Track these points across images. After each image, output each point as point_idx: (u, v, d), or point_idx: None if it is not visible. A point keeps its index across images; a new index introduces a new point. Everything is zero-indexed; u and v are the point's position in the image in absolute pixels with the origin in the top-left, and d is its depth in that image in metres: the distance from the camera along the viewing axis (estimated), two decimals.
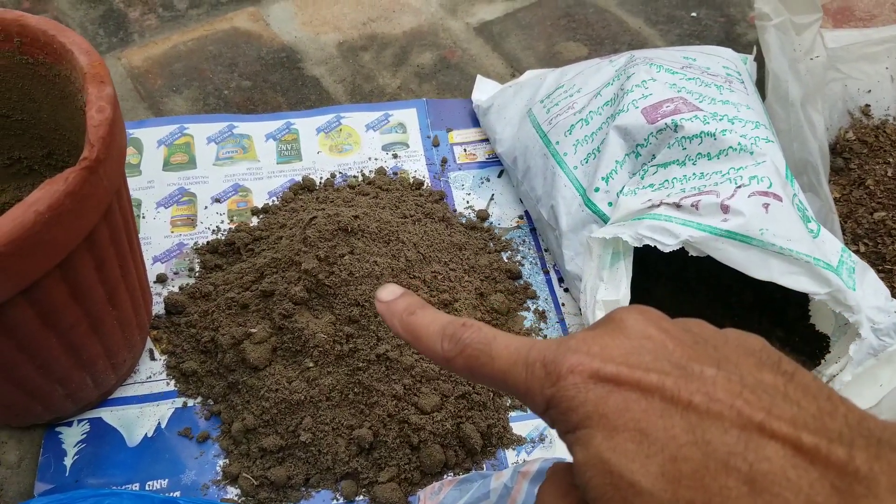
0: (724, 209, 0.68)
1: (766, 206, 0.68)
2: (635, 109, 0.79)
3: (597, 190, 0.80)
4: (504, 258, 0.95)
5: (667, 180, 0.75)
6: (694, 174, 0.74)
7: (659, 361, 0.36)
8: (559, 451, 0.77)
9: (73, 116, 0.67)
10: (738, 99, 0.82)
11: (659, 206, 0.71)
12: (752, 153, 0.72)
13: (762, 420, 0.32)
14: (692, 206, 0.69)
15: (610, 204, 0.79)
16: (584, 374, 0.36)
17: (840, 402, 0.32)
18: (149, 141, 1.05)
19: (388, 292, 0.43)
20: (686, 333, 0.38)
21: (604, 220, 0.79)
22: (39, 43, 0.63)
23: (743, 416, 0.33)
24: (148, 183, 1.00)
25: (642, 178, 0.77)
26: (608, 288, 0.74)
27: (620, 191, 0.78)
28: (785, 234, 0.67)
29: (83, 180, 0.50)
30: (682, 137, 0.75)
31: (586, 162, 0.84)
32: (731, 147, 0.73)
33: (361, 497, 0.73)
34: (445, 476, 0.73)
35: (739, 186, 0.69)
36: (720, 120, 0.75)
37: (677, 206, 0.70)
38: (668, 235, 0.68)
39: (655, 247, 0.69)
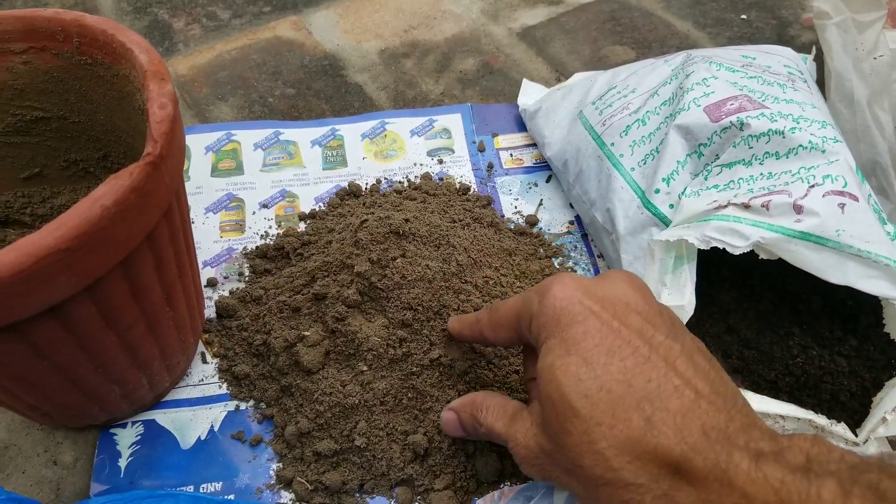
0: (798, 209, 0.65)
1: (842, 206, 0.65)
2: (697, 108, 0.77)
3: (657, 191, 0.78)
4: (555, 264, 0.93)
5: (732, 181, 0.72)
6: (762, 174, 0.71)
7: (627, 314, 0.50)
8: None
9: (130, 118, 0.66)
10: (803, 98, 0.79)
11: (726, 206, 0.69)
12: (823, 151, 0.69)
13: (680, 384, 0.45)
14: (762, 206, 0.67)
15: (671, 206, 0.77)
16: (566, 295, 0.51)
17: (744, 403, 0.47)
18: (197, 147, 1.05)
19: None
20: (656, 305, 0.53)
21: (664, 222, 0.76)
22: (98, 43, 0.62)
23: (668, 376, 0.45)
24: (196, 189, 1.00)
25: (706, 178, 0.74)
26: (671, 293, 0.71)
27: (682, 192, 0.75)
28: (862, 236, 0.64)
29: (147, 175, 0.49)
30: (748, 136, 0.72)
31: (644, 163, 0.81)
32: (801, 145, 0.70)
33: None
34: (503, 486, 0.71)
35: (813, 186, 0.66)
36: (787, 118, 0.73)
37: (746, 206, 0.68)
38: (738, 237, 0.66)
39: (723, 249, 0.67)
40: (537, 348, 0.53)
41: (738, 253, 0.65)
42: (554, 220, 0.99)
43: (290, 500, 0.70)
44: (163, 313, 0.63)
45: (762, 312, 0.77)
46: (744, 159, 0.73)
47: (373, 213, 0.85)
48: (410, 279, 0.76)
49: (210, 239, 0.94)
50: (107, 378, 0.62)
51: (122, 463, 0.72)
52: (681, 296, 0.70)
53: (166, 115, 0.52)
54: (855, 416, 0.71)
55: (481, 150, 1.07)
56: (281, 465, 0.73)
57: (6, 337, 0.48)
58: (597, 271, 0.92)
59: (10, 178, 0.73)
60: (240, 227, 0.96)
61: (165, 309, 0.63)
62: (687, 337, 0.51)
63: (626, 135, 0.85)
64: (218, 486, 0.71)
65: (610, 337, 0.48)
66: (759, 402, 0.68)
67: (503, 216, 0.99)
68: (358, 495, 0.71)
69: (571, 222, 0.99)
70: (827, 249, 0.64)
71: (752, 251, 0.67)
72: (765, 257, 0.66)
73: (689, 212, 0.72)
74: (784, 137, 0.71)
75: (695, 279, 0.71)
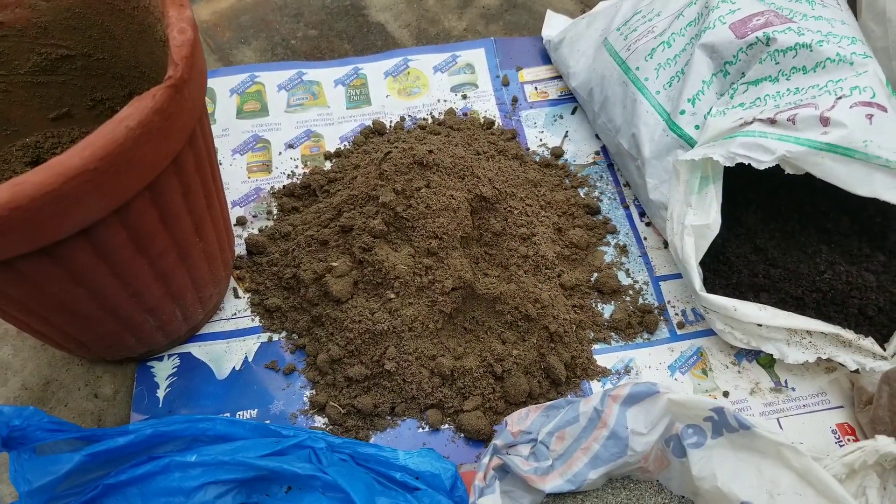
0: (824, 122, 0.64)
1: (870, 116, 0.63)
2: (723, 25, 0.75)
3: (682, 113, 0.76)
4: (581, 194, 0.93)
5: (759, 98, 0.71)
6: (788, 90, 0.69)
7: None
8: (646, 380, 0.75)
9: (153, 51, 0.67)
10: (832, 14, 0.77)
11: (752, 122, 0.68)
12: (851, 64, 0.67)
13: None
14: (788, 120, 0.65)
15: (697, 127, 0.75)
16: None
17: None
18: (221, 90, 1.05)
19: None
20: None
21: (690, 143, 0.75)
22: None
23: None
24: (223, 131, 1.01)
25: (732, 97, 0.73)
26: (697, 213, 0.71)
27: (708, 112, 0.74)
28: (891, 146, 0.62)
29: (170, 98, 0.50)
30: (774, 51, 0.70)
31: (670, 86, 0.80)
32: (828, 59, 0.68)
33: (447, 425, 0.73)
34: (530, 405, 0.72)
35: (840, 98, 0.65)
36: (815, 32, 0.71)
37: (772, 121, 0.66)
38: (764, 152, 0.65)
39: (750, 170, 0.66)
40: None
41: (763, 168, 0.65)
42: (580, 152, 0.98)
43: (324, 423, 0.72)
44: (193, 243, 0.64)
45: (789, 232, 0.76)
46: (770, 75, 0.71)
47: (397, 146, 0.85)
48: (435, 209, 0.76)
49: (238, 180, 0.95)
50: (141, 307, 0.64)
51: (161, 393, 0.75)
52: (706, 215, 0.69)
53: (186, 39, 0.53)
54: (883, 330, 0.70)
55: (505, 84, 1.06)
56: (314, 391, 0.75)
57: (43, 260, 0.50)
58: (622, 200, 0.92)
59: (38, 119, 0.75)
60: (266, 167, 0.97)
61: (195, 239, 0.65)
62: None
63: (651, 58, 0.83)
64: (253, 412, 0.74)
65: None
66: (786, 319, 0.68)
67: (528, 149, 0.98)
68: (389, 418, 0.73)
69: (597, 153, 0.98)
70: (854, 161, 0.62)
71: (780, 169, 0.66)
72: (791, 172, 0.65)
73: (714, 130, 0.71)
74: (811, 51, 0.69)
75: (720, 199, 0.70)
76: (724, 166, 0.70)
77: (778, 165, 0.65)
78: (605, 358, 0.78)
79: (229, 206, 0.91)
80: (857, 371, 0.72)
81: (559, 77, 1.06)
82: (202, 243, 0.66)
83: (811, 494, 0.54)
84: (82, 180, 0.45)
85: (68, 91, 0.74)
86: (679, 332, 0.80)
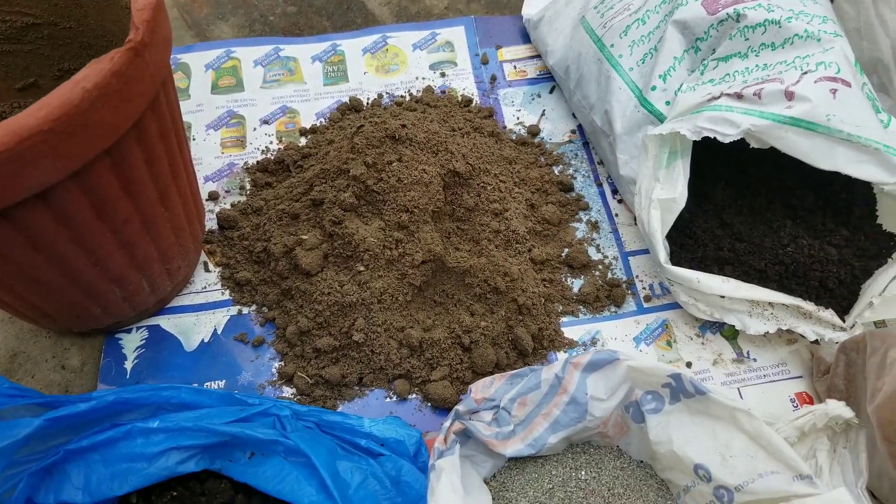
0: (789, 96, 0.64)
1: (834, 91, 0.64)
2: (695, 2, 0.75)
3: (653, 89, 0.77)
4: (556, 171, 0.93)
5: (728, 74, 0.71)
6: (757, 66, 0.70)
7: None
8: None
9: (120, 19, 0.67)
10: None
11: (719, 97, 0.68)
12: (819, 40, 0.68)
13: None
14: (754, 94, 0.66)
15: (667, 103, 0.76)
16: None
17: None
18: (196, 65, 1.05)
19: None
20: None
21: (660, 119, 0.76)
22: None
23: None
24: (197, 106, 1.00)
25: (702, 73, 0.73)
26: (664, 187, 0.71)
27: (679, 89, 0.74)
28: (853, 121, 0.63)
29: (129, 61, 0.49)
30: (744, 27, 0.71)
31: (643, 62, 0.80)
32: (796, 35, 0.69)
33: (414, 395, 0.73)
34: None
35: (805, 73, 0.65)
36: (785, 9, 0.71)
37: (739, 96, 0.67)
38: (729, 125, 0.65)
39: (719, 144, 0.66)
40: None
41: (728, 141, 0.65)
42: (556, 130, 0.98)
43: (292, 394, 0.73)
44: (158, 213, 0.64)
45: (756, 208, 0.77)
46: (740, 52, 0.71)
47: (370, 121, 0.85)
48: (407, 182, 0.76)
49: (211, 155, 0.95)
50: (105, 276, 0.64)
51: (128, 365, 0.75)
52: (673, 189, 0.70)
53: (147, 2, 0.53)
54: (843, 303, 0.71)
55: (484, 62, 1.06)
56: (283, 363, 0.75)
57: (1, 224, 0.50)
58: (596, 178, 0.92)
59: (5, 89, 0.74)
60: (241, 143, 0.96)
61: (161, 209, 0.64)
62: None
63: (625, 35, 0.83)
64: (221, 383, 0.74)
65: None
66: (748, 291, 0.69)
67: (505, 127, 0.98)
68: (357, 388, 0.73)
69: (573, 131, 0.98)
70: (817, 135, 0.63)
71: (749, 146, 0.66)
72: (756, 146, 0.65)
73: (683, 106, 0.71)
74: (780, 27, 0.69)
75: (688, 174, 0.71)
76: (693, 142, 0.71)
77: (746, 141, 0.66)
78: (573, 330, 0.78)
79: (202, 181, 0.91)
80: (816, 342, 0.73)
81: (538, 56, 1.06)
82: (168, 213, 0.66)
83: (762, 456, 0.55)
84: (37, 141, 0.45)
85: (35, 61, 0.73)
86: (646, 305, 0.81)
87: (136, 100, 0.52)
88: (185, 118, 0.99)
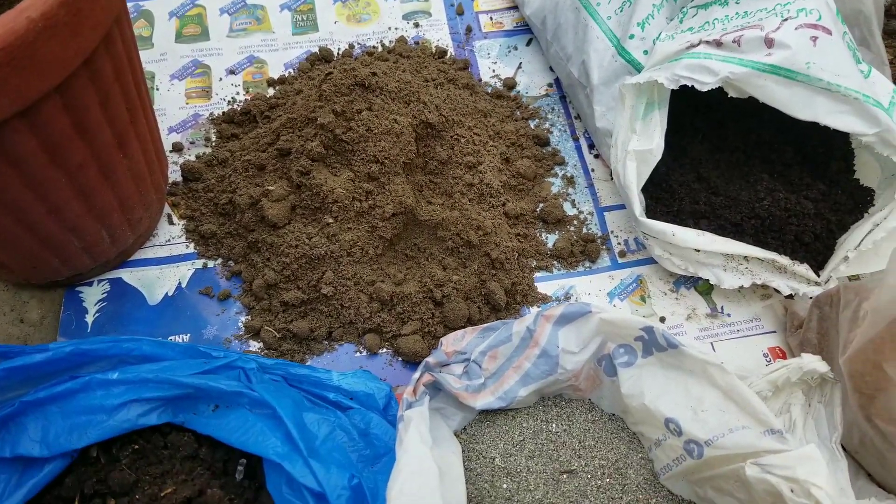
0: (769, 43, 0.63)
1: (815, 38, 0.62)
2: None
3: (631, 37, 0.75)
4: (532, 126, 0.91)
5: (707, 22, 0.69)
6: (737, 13, 0.68)
7: None
8: None
9: None
10: None
11: (698, 45, 0.66)
12: None
13: None
14: (734, 42, 0.64)
15: (645, 52, 0.74)
16: None
17: None
18: (160, 12, 1.01)
19: None
20: None
21: (638, 69, 0.74)
22: None
23: None
24: (161, 55, 0.96)
25: (681, 21, 0.71)
26: (641, 139, 0.69)
27: (657, 37, 0.73)
28: (833, 69, 0.61)
29: None
30: None
31: (621, 11, 0.78)
32: None
33: (385, 350, 0.72)
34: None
35: (786, 19, 0.64)
36: None
37: (718, 43, 0.65)
38: (707, 73, 0.64)
39: (696, 95, 0.65)
40: None
41: (705, 89, 0.63)
42: (532, 84, 0.96)
43: (259, 348, 0.71)
44: (117, 160, 0.62)
45: (733, 163, 0.76)
46: None
47: (340, 68, 0.82)
48: (377, 132, 0.74)
49: (175, 105, 0.91)
50: (62, 225, 0.61)
51: (90, 319, 0.73)
52: (650, 140, 0.68)
53: None
54: (818, 257, 0.70)
55: (460, 13, 1.03)
56: (249, 317, 0.73)
57: None
58: (573, 132, 0.90)
59: None
60: (206, 93, 0.93)
61: (119, 155, 0.62)
62: None
63: None
64: (186, 337, 0.72)
65: None
66: (724, 244, 0.68)
67: (480, 79, 0.96)
68: (326, 342, 0.72)
69: (550, 85, 0.96)
70: (797, 84, 0.61)
71: (728, 99, 0.65)
72: (734, 95, 0.64)
73: (661, 54, 0.69)
74: None
75: (665, 126, 0.69)
76: (672, 95, 0.69)
77: (725, 94, 0.64)
78: (547, 285, 0.77)
79: (165, 132, 0.88)
80: (791, 296, 0.72)
81: (515, 7, 1.03)
82: (128, 161, 0.64)
83: (733, 411, 0.54)
84: None
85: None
86: (620, 260, 0.80)
87: (86, 34, 0.49)
88: (147, 67, 0.95)
